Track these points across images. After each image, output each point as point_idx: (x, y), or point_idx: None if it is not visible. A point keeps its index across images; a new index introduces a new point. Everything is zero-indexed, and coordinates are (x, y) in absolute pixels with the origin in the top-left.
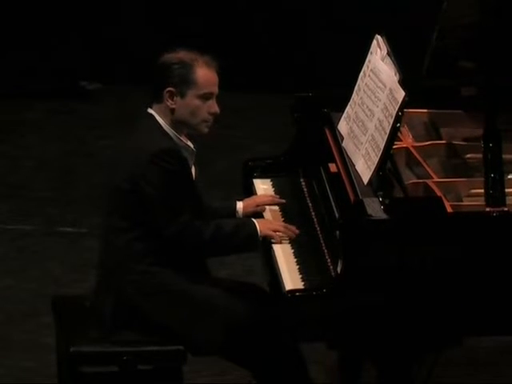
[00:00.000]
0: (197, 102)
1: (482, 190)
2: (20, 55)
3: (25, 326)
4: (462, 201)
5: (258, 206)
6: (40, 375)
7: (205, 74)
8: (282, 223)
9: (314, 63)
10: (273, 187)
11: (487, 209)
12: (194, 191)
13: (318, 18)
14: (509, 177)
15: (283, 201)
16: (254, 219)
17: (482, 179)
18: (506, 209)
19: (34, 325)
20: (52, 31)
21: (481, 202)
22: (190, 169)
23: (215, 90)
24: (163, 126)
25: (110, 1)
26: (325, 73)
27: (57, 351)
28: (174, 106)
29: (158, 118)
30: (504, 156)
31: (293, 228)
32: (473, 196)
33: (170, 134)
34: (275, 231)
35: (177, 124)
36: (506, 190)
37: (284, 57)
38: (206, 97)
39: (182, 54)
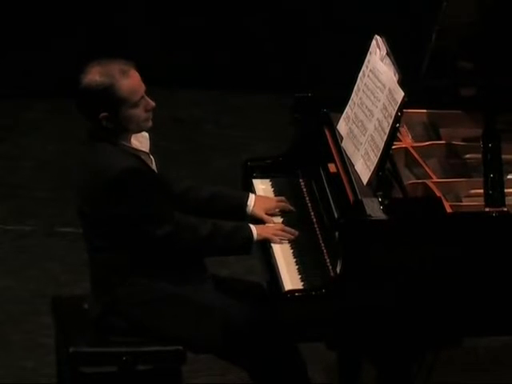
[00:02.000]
0: (132, 111)
1: (482, 191)
2: (19, 55)
3: (24, 326)
4: (461, 201)
5: (267, 209)
6: (39, 375)
7: (127, 86)
8: (280, 225)
9: (313, 63)
10: (272, 187)
11: (486, 209)
12: (166, 190)
13: (318, 18)
14: (508, 177)
15: (291, 208)
16: (250, 224)
17: (482, 179)
18: (505, 209)
19: (34, 325)
20: (51, 31)
21: (480, 202)
22: (152, 170)
23: (142, 90)
24: (110, 142)
25: (110, 1)
26: (324, 73)
27: (56, 351)
28: (112, 126)
29: (102, 138)
30: (503, 156)
31: (291, 230)
32: (472, 196)
33: (121, 146)
34: (273, 234)
35: (121, 135)
36: (506, 191)
37: (283, 57)
38: (137, 103)
39: (98, 76)
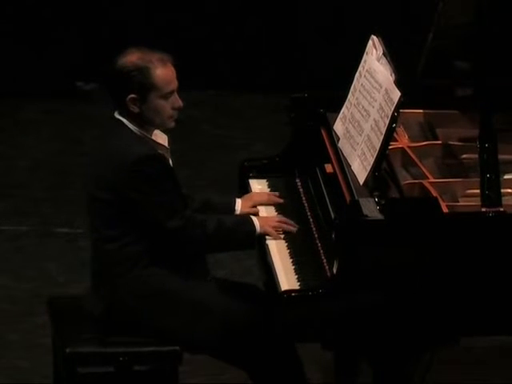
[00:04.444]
0: (160, 102)
1: (478, 191)
2: (16, 55)
3: (21, 326)
4: (457, 201)
5: (254, 205)
6: (36, 375)
7: (162, 74)
8: (282, 218)
9: (310, 63)
10: (269, 187)
11: (483, 209)
12: (179, 186)
13: (315, 18)
14: (505, 177)
15: (280, 200)
16: (253, 216)
17: (478, 179)
18: (501, 209)
19: (30, 325)
20: (48, 31)
21: (477, 202)
22: (170, 165)
23: (175, 85)
24: (133, 130)
25: (108, 0)
26: (321, 73)
27: (53, 351)
28: (138, 111)
29: (126, 122)
30: (500, 156)
31: (292, 222)
32: (469, 196)
33: (142, 136)
34: (274, 228)
35: (144, 125)
36: (502, 191)
37: (280, 57)
38: (167, 96)
39: (136, 58)
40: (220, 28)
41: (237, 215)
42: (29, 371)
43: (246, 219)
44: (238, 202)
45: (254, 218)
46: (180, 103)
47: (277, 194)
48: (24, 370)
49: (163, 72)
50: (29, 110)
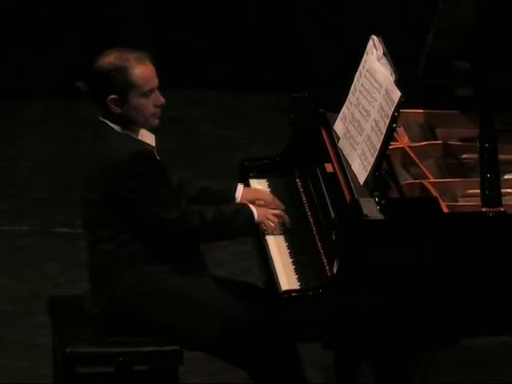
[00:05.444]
0: (140, 101)
1: (478, 191)
2: (15, 55)
3: (21, 327)
4: (458, 201)
5: (254, 200)
6: (36, 376)
7: (141, 73)
8: (278, 212)
9: (310, 63)
10: (269, 187)
11: (483, 209)
12: (170, 181)
13: (315, 18)
14: (505, 177)
15: (281, 206)
16: (250, 205)
17: (478, 179)
18: (502, 209)
19: (30, 325)
20: (48, 31)
21: (477, 202)
22: (159, 161)
23: (155, 83)
24: (119, 130)
25: (108, 0)
26: (321, 72)
27: (53, 352)
28: (120, 111)
29: (111, 124)
30: (500, 156)
31: (287, 219)
32: (469, 196)
33: (128, 137)
34: (270, 220)
35: (128, 125)
36: (502, 191)
37: (280, 56)
38: (147, 94)
39: (113, 58)
40: (220, 28)
41: (234, 203)
42: (29, 371)
43: (243, 207)
44: (240, 188)
45: (252, 206)
46: (162, 100)
47: (281, 205)
48: (24, 369)
49: (141, 70)
50: (29, 110)
